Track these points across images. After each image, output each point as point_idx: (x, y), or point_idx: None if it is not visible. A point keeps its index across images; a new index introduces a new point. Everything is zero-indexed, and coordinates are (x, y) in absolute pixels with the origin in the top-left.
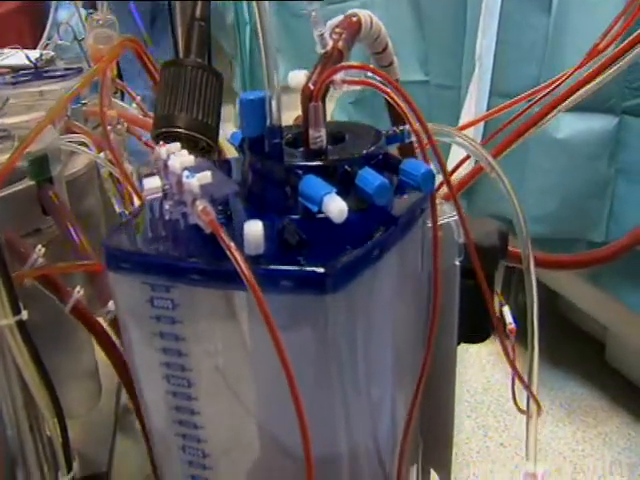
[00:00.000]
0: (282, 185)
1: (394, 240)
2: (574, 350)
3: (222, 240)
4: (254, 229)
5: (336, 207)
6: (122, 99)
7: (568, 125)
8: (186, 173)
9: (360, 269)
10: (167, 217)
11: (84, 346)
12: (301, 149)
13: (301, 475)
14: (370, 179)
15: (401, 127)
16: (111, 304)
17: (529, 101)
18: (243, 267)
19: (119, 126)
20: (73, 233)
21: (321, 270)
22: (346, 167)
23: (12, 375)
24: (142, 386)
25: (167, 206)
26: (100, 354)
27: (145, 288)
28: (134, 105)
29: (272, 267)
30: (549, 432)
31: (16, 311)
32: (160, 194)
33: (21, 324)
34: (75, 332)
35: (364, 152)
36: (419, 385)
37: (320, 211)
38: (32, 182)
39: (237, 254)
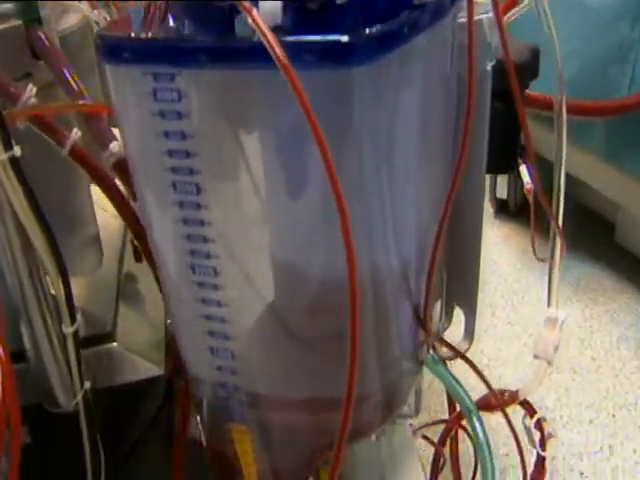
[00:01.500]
0: None
1: (423, 24)
2: (584, 231)
3: (240, 4)
4: None
5: None
6: None
7: None
8: None
9: (388, 45)
10: None
11: (84, 210)
12: None
13: (315, 297)
14: None
15: None
16: (112, 146)
17: None
18: (266, 32)
19: None
20: (67, 75)
21: (346, 39)
22: None
23: (7, 216)
24: (148, 204)
25: None
26: (101, 222)
27: (147, 80)
28: None
29: (292, 39)
30: None
31: (8, 147)
32: None
33: (14, 161)
34: (76, 200)
35: None
36: (450, 198)
37: None
38: (19, 22)
39: (258, 18)
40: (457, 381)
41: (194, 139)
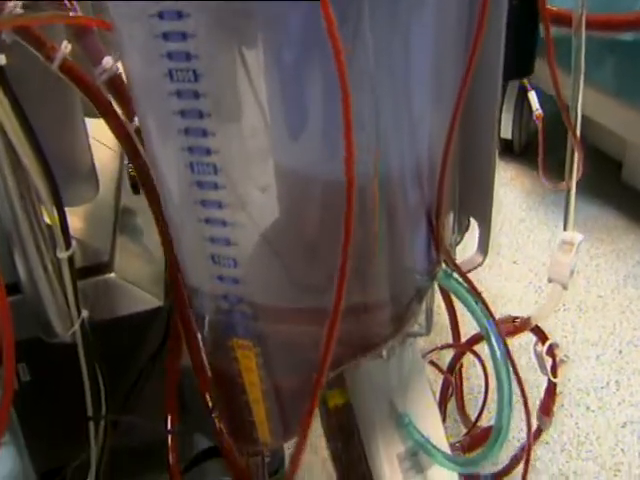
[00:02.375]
0: None
1: None
2: (590, 171)
3: None
4: None
5: None
6: None
7: None
8: None
9: None
10: None
11: (78, 140)
12: None
13: (322, 205)
14: None
15: None
16: (105, 61)
17: None
18: None
19: None
20: None
21: None
22: None
23: None
24: (147, 117)
25: None
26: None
27: None
28: None
29: None
30: None
31: None
32: None
33: None
34: (69, 129)
35: None
36: (461, 96)
37: None
38: None
39: None
40: (473, 296)
41: (190, 17)
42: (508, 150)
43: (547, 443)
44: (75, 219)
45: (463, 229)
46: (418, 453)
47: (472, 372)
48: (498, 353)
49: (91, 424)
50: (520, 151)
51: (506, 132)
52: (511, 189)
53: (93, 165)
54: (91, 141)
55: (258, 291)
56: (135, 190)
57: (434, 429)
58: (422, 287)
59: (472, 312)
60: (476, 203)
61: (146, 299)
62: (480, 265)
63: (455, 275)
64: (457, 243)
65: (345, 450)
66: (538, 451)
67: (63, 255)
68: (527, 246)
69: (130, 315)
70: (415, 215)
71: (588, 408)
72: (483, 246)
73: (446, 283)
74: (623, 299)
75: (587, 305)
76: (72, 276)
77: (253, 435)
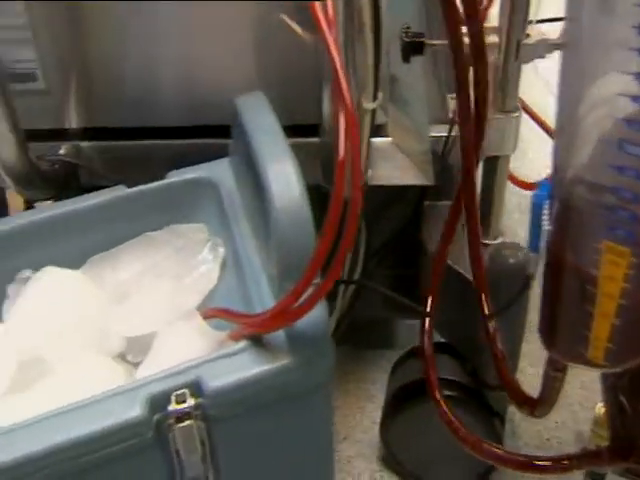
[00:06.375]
0: None
1: None
2: None
3: None
4: None
5: None
6: None
7: None
8: None
9: None
10: None
11: None
12: None
13: None
14: None
15: None
16: None
17: None
18: None
19: None
20: None
21: None
22: None
23: None
24: None
25: None
26: None
27: None
28: None
29: None
30: None
31: None
32: None
33: None
34: None
35: None
36: None
37: None
38: None
39: None
40: None
41: None
42: None
43: None
44: None
45: None
46: None
47: None
48: None
49: (341, 287)
50: None
51: None
52: None
53: None
54: None
55: None
56: (405, 58)
57: None
58: None
59: None
60: None
61: (417, 174)
62: None
63: None
64: None
65: None
66: None
67: (369, 106)
68: None
69: (399, 187)
70: None
71: None
72: None
73: None
74: None
75: None
76: (369, 131)
77: (579, 350)
